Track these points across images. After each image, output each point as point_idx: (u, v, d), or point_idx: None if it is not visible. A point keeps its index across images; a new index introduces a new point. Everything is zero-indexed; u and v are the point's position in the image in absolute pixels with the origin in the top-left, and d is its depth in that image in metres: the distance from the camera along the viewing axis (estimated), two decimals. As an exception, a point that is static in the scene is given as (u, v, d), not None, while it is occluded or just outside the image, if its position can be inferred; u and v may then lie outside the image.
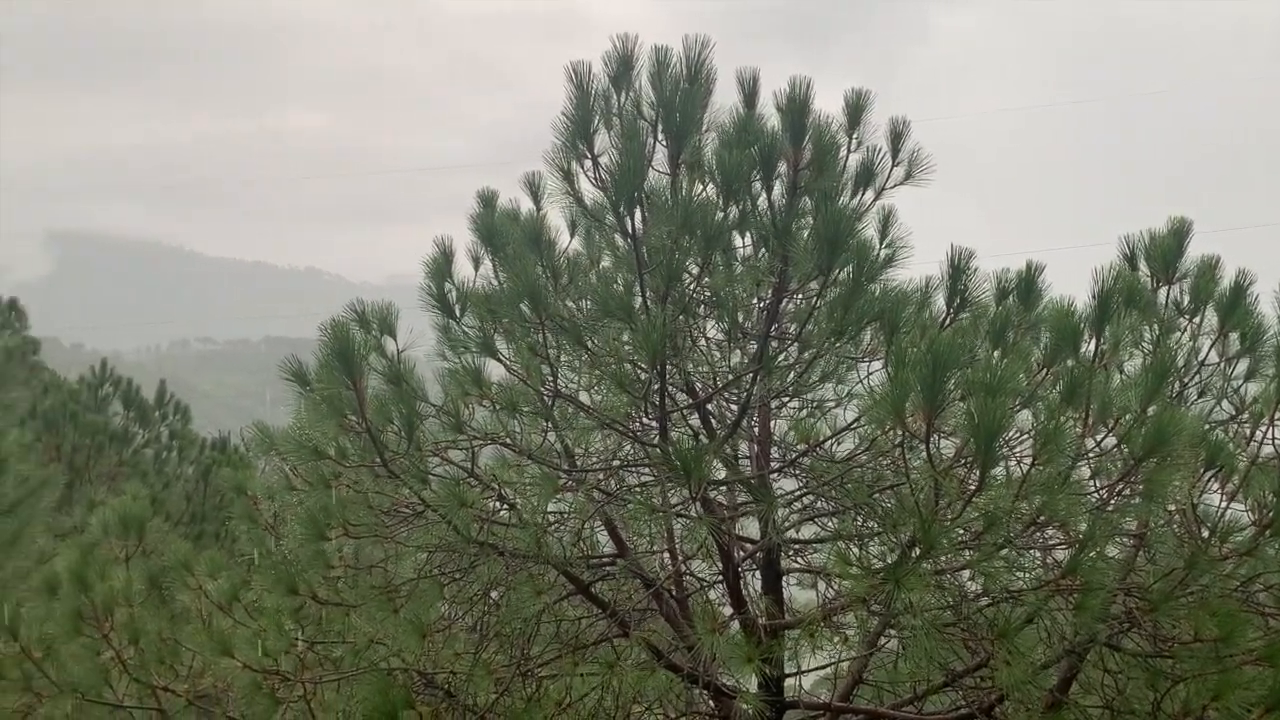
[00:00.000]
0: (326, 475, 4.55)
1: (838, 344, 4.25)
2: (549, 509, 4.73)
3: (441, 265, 4.95)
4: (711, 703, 4.94)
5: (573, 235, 5.31)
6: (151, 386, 15.29)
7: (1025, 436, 4.25)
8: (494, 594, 5.26)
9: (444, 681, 4.97)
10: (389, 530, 4.64)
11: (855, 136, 4.78)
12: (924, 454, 3.62)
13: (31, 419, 12.43)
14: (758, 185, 4.36)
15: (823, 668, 5.06)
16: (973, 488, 3.64)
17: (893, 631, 4.99)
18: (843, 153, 4.71)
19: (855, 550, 4.49)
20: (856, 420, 4.75)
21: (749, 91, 4.74)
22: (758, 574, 5.33)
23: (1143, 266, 5.41)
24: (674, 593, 5.20)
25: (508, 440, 4.77)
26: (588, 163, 4.53)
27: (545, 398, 4.68)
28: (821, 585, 5.32)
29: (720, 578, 5.26)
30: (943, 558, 3.99)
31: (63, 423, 12.94)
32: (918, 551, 3.75)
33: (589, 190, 4.67)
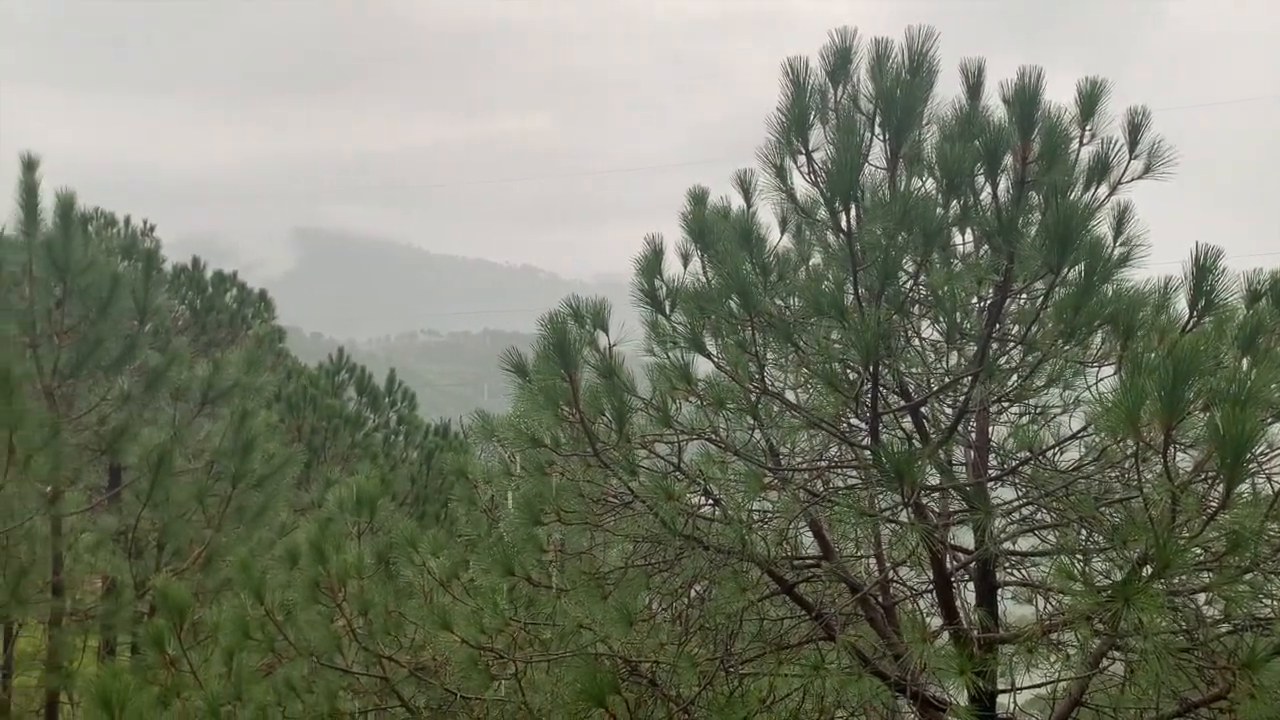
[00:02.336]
0: (542, 462, 4.71)
1: (1066, 347, 4.03)
2: (753, 507, 4.72)
3: (652, 262, 5.03)
4: (918, 713, 4.79)
5: (783, 232, 5.28)
6: (382, 375, 16.34)
7: (1277, 452, 3.90)
8: (696, 588, 5.30)
9: (648, 670, 5.05)
10: (598, 518, 4.76)
11: (1088, 128, 4.52)
12: (1159, 466, 3.37)
13: (277, 402, 13.53)
14: (981, 179, 4.20)
15: (1039, 686, 4.82)
16: (1215, 505, 3.37)
17: (1118, 654, 4.69)
18: (1074, 145, 4.46)
19: (1078, 565, 4.24)
20: (1084, 429, 4.48)
21: (973, 83, 4.56)
22: (970, 585, 5.14)
23: None
24: (880, 599, 5.08)
25: (713, 436, 4.79)
26: (801, 158, 4.48)
27: (752, 395, 4.67)
28: (1040, 601, 5.05)
29: (929, 587, 5.10)
30: (1178, 578, 3.72)
31: (303, 406, 14.02)
32: (1150, 570, 3.50)
33: (801, 186, 4.63)
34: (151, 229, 17.70)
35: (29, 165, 7.76)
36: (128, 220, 17.34)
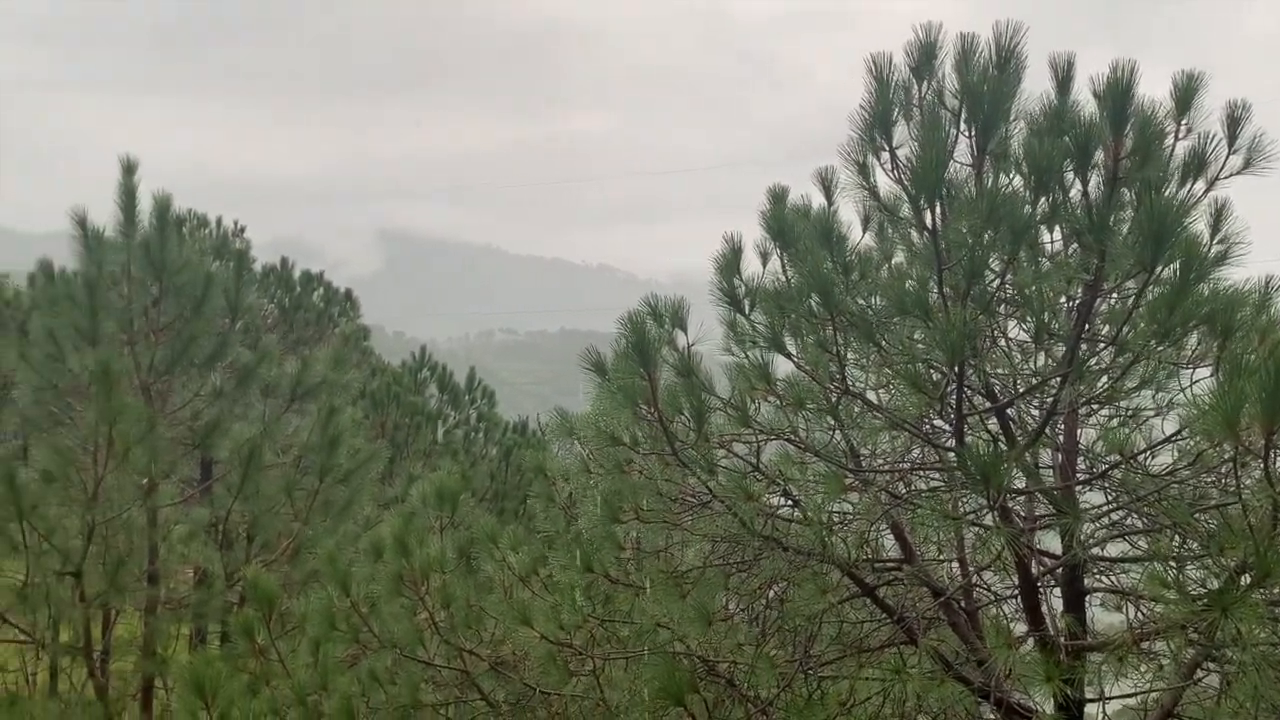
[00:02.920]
0: (620, 461, 4.74)
1: (1159, 348, 3.91)
2: (832, 508, 4.68)
3: (731, 261, 5.01)
4: (1001, 720, 4.70)
5: (865, 230, 5.22)
6: (461, 373, 16.57)
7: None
8: (774, 589, 5.27)
9: (726, 670, 5.04)
10: (676, 517, 4.77)
11: (1184, 122, 4.39)
12: (1259, 471, 3.26)
13: (361, 399, 13.80)
14: (1070, 176, 4.10)
15: (1129, 696, 4.68)
16: (1320, 512, 3.24)
17: (1213, 665, 4.54)
18: (1169, 140, 4.33)
19: (1172, 572, 4.11)
20: (1178, 432, 4.35)
21: (1062, 77, 4.46)
22: (1056, 591, 5.02)
23: None
24: (963, 604, 5.00)
25: (793, 436, 4.76)
26: (885, 155, 4.44)
27: (832, 395, 4.63)
28: (1130, 609, 4.92)
29: (1014, 592, 5.00)
30: (1279, 587, 3.58)
31: (387, 403, 14.29)
32: (1249, 578, 3.39)
33: (884, 183, 4.58)
34: (242, 230, 18.21)
35: (128, 169, 8.06)
36: (219, 221, 17.87)
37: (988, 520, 4.32)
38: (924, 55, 4.36)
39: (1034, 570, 4.72)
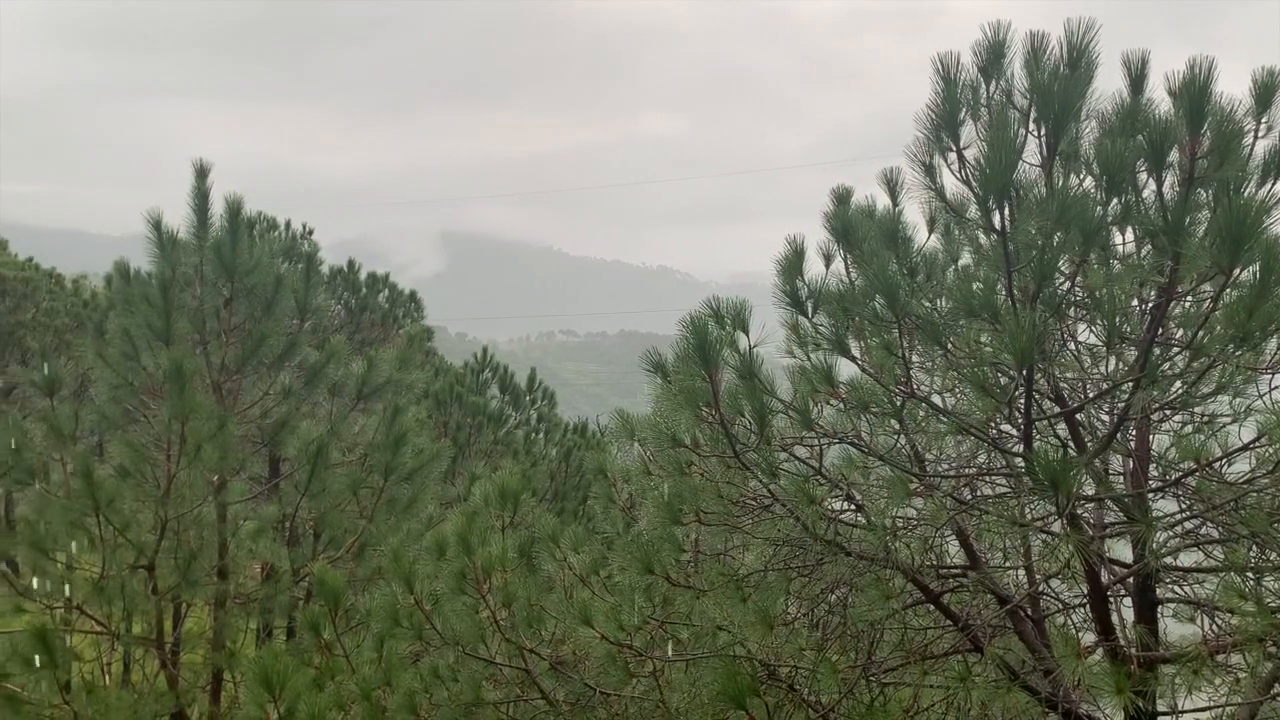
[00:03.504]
0: (681, 462, 4.73)
1: (1237, 352, 3.80)
2: (895, 513, 4.63)
3: (793, 263, 4.98)
4: (1069, 732, 4.61)
5: (931, 232, 5.16)
6: (521, 373, 16.68)
7: None
8: (835, 594, 5.23)
9: (787, 675, 5.01)
10: (737, 520, 4.75)
11: (1264, 120, 4.27)
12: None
13: (425, 398, 13.96)
14: (1143, 176, 4.01)
15: (1203, 710, 4.56)
16: None
17: (1292, 679, 4.41)
18: (1248, 139, 4.22)
19: (1249, 583, 4.00)
20: (1256, 439, 4.22)
21: (1136, 75, 4.37)
22: (1127, 601, 4.91)
23: None
24: (1030, 612, 4.91)
25: (857, 439, 4.71)
26: (951, 155, 4.38)
27: (897, 398, 4.58)
28: (1205, 620, 4.79)
29: (1083, 601, 4.89)
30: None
31: (450, 403, 14.43)
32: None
33: (951, 184, 4.53)
34: (310, 232, 18.53)
35: (201, 173, 8.24)
36: (288, 224, 18.20)
37: (1056, 527, 4.24)
38: (992, 54, 4.30)
39: (1104, 579, 4.63)
